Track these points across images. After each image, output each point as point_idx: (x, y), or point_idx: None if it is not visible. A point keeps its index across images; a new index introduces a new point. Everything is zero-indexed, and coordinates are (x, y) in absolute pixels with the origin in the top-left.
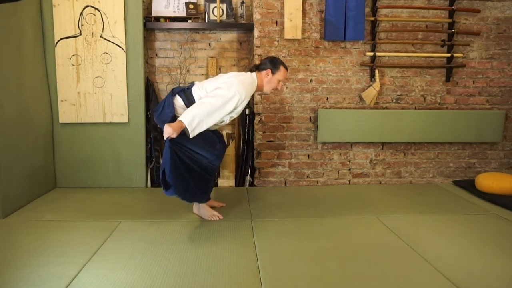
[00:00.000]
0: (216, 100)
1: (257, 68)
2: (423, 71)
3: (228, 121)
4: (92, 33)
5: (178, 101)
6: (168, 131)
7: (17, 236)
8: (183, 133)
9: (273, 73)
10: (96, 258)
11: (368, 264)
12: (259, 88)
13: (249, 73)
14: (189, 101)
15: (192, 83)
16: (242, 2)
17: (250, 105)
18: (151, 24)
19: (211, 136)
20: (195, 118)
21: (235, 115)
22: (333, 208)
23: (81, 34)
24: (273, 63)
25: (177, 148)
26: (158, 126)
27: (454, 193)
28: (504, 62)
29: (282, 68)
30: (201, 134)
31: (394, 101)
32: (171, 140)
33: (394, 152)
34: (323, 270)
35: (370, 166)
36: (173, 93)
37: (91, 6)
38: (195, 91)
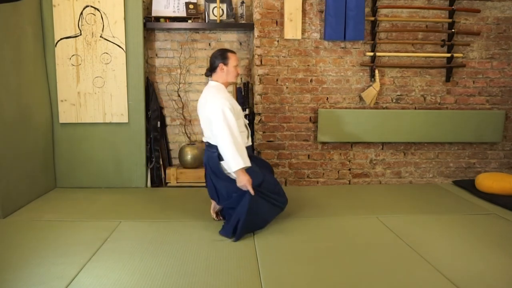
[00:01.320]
0: (222, 130)
1: (211, 71)
2: (423, 71)
3: (245, 120)
4: (92, 33)
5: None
6: (246, 185)
7: (17, 236)
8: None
9: (226, 64)
10: (96, 258)
11: (368, 264)
12: (226, 83)
13: (209, 84)
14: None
15: (207, 147)
16: (242, 2)
17: (250, 105)
18: (151, 24)
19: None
20: (234, 155)
21: (241, 115)
22: (333, 208)
23: (81, 34)
24: (220, 56)
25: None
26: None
27: (454, 193)
28: (504, 62)
29: (229, 54)
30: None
31: (394, 101)
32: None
33: (394, 152)
34: (323, 270)
35: (370, 166)
36: (213, 162)
37: (91, 6)
38: (213, 141)
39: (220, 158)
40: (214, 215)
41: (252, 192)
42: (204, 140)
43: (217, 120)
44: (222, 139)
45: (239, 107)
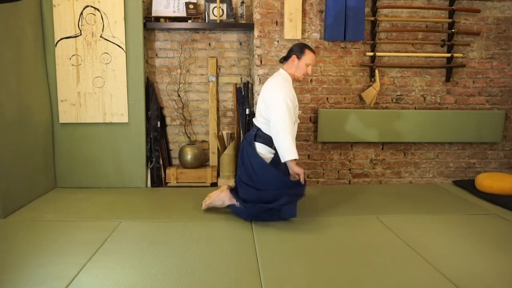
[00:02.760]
0: (281, 120)
1: (285, 59)
2: (423, 71)
3: (296, 120)
4: (92, 33)
5: (260, 147)
6: (299, 174)
7: (17, 236)
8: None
9: (298, 58)
10: (96, 258)
11: (368, 263)
12: (293, 77)
13: (279, 71)
14: (266, 139)
15: (253, 126)
16: (242, 2)
17: (250, 105)
18: (151, 24)
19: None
20: (290, 146)
21: (296, 112)
22: (333, 208)
23: (81, 34)
24: (298, 48)
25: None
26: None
27: (454, 193)
28: (504, 62)
29: (307, 51)
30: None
31: (394, 101)
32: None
33: (394, 152)
34: (323, 270)
35: (370, 166)
36: (249, 142)
37: (91, 6)
38: (261, 125)
39: (255, 138)
40: (206, 203)
41: (303, 180)
42: (255, 122)
43: (278, 109)
44: (279, 128)
45: (296, 103)
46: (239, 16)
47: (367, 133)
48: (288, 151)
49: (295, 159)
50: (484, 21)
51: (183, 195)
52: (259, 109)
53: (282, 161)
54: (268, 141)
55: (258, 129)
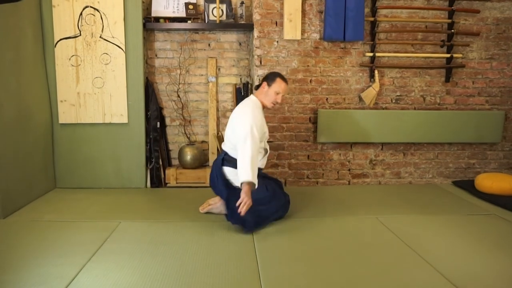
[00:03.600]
0: (245, 144)
1: (258, 86)
2: (423, 71)
3: (265, 145)
4: (92, 34)
5: (227, 170)
6: (245, 200)
7: (17, 236)
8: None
9: (269, 85)
10: (95, 258)
11: (368, 264)
12: (263, 104)
13: (250, 96)
14: (233, 162)
15: (222, 151)
16: (242, 3)
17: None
18: (151, 24)
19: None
20: (248, 170)
21: (265, 138)
22: (332, 208)
23: (80, 35)
24: (271, 76)
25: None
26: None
27: (453, 194)
28: (503, 62)
29: (278, 79)
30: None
31: (393, 101)
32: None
33: (394, 153)
34: (323, 270)
35: (369, 166)
36: (217, 165)
37: (91, 7)
38: (228, 150)
39: (223, 163)
40: (204, 209)
41: (243, 212)
42: (223, 146)
43: (243, 132)
44: (242, 151)
45: (266, 130)
46: (239, 16)
47: (366, 134)
48: (244, 173)
49: (251, 183)
50: (483, 22)
51: (183, 196)
52: (227, 134)
53: (240, 181)
54: (235, 164)
55: (226, 153)
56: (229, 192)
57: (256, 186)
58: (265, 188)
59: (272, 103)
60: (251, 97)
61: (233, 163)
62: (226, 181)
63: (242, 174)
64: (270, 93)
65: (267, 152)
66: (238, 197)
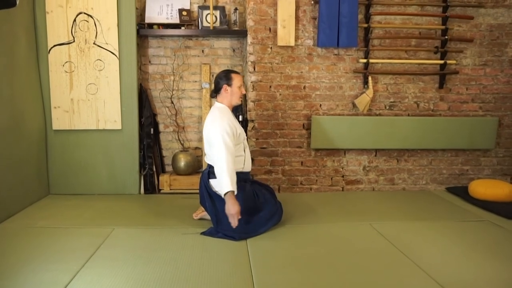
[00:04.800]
0: (219, 154)
1: (216, 92)
2: (416, 78)
3: (244, 143)
4: (86, 40)
5: (214, 182)
6: (232, 213)
7: (10, 242)
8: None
9: (230, 85)
10: (89, 264)
11: (362, 270)
12: (230, 105)
13: (214, 105)
14: (214, 173)
15: (207, 165)
16: (235, 9)
17: (243, 112)
18: (145, 30)
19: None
20: (227, 181)
21: (241, 139)
22: (326, 214)
23: (74, 41)
24: (224, 77)
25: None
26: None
27: (447, 200)
28: (497, 68)
29: (233, 75)
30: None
31: (387, 108)
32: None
33: (387, 159)
34: (317, 277)
35: (363, 173)
36: (204, 179)
37: (84, 13)
38: (211, 162)
39: (209, 176)
40: (198, 215)
41: (234, 224)
42: (205, 159)
43: (216, 144)
44: (218, 163)
45: (241, 130)
46: (232, 22)
47: (360, 140)
48: (224, 186)
49: (233, 192)
50: (477, 28)
51: (176, 202)
52: (205, 147)
53: (222, 192)
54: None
55: (210, 166)
56: (216, 207)
57: (236, 192)
58: (255, 196)
59: (240, 98)
60: (216, 104)
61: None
62: (214, 193)
63: (222, 187)
64: (235, 90)
65: (246, 153)
66: (224, 209)
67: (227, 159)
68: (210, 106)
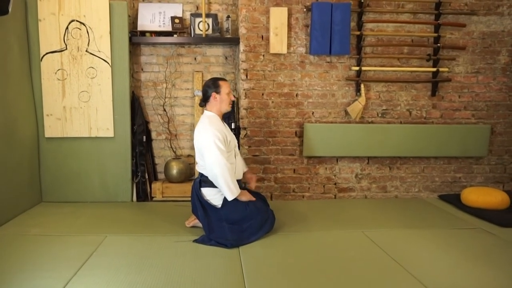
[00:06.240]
0: (213, 162)
1: (205, 101)
2: (409, 85)
3: (236, 150)
4: (78, 48)
5: (206, 191)
6: (249, 199)
7: (2, 250)
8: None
9: (218, 93)
10: (82, 272)
11: (354, 278)
12: (220, 113)
13: (204, 114)
14: (209, 182)
15: (199, 174)
16: (228, 17)
17: (235, 119)
18: (137, 38)
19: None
20: (230, 187)
21: (232, 146)
22: (318, 222)
23: (66, 49)
24: (212, 86)
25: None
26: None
27: (439, 208)
28: (489, 76)
29: (220, 82)
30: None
31: (379, 115)
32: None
33: (380, 167)
34: (309, 285)
35: (355, 180)
36: (196, 188)
37: (77, 21)
38: (202, 170)
39: (201, 184)
40: (190, 223)
41: (253, 198)
42: (197, 168)
43: (209, 152)
44: (216, 172)
45: (231, 138)
46: (225, 30)
47: (352, 148)
48: (230, 192)
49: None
50: (469, 36)
51: (169, 210)
52: (197, 156)
53: (228, 200)
54: (212, 183)
55: (202, 175)
56: (208, 215)
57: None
58: (245, 207)
59: (229, 104)
60: (205, 113)
61: (209, 183)
62: (206, 202)
63: (227, 195)
64: (224, 97)
65: (236, 160)
66: (216, 218)
67: (225, 164)
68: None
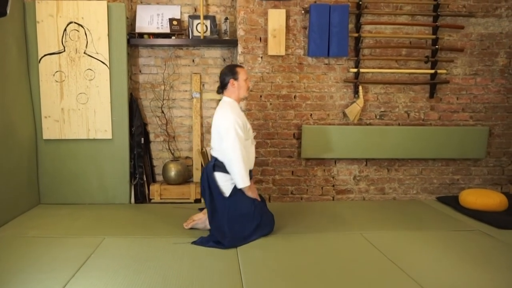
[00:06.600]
0: (230, 146)
1: (222, 88)
2: (407, 87)
3: (253, 141)
4: (76, 50)
5: (219, 176)
6: (253, 197)
7: (0, 252)
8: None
9: (236, 79)
10: (80, 274)
11: (352, 280)
12: (238, 99)
13: (222, 100)
14: (223, 167)
15: (211, 157)
16: (226, 19)
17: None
18: (135, 40)
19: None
20: (243, 175)
21: (250, 134)
22: (316, 224)
23: (64, 51)
24: (230, 72)
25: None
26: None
27: (437, 210)
28: (487, 78)
29: (238, 69)
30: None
31: (377, 117)
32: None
33: (378, 168)
34: (307, 287)
35: (353, 182)
36: (209, 172)
37: (75, 23)
38: (217, 155)
39: (214, 169)
40: (189, 224)
41: (258, 198)
42: (212, 152)
43: (229, 137)
44: (232, 156)
45: (249, 126)
46: (223, 32)
47: (350, 150)
48: (241, 179)
49: (248, 187)
50: (468, 38)
51: (167, 212)
52: (213, 139)
53: (238, 187)
54: (226, 169)
55: (216, 159)
56: (214, 203)
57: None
58: (251, 204)
59: (247, 91)
60: (224, 99)
61: (223, 168)
62: (215, 188)
63: (238, 182)
64: (241, 84)
65: (253, 148)
66: (221, 207)
67: (242, 153)
68: (201, 116)
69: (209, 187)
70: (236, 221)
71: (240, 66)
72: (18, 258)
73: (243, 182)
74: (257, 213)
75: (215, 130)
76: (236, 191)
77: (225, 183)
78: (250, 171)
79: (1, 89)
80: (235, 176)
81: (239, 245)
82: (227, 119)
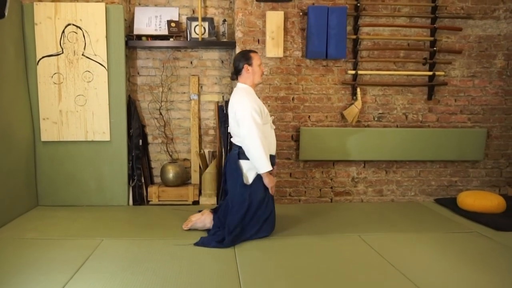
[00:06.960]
0: (250, 133)
1: (237, 74)
2: (405, 89)
3: (272, 125)
4: (74, 51)
5: (244, 164)
6: (271, 185)
7: None
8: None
9: (250, 65)
10: (78, 276)
11: (350, 282)
12: (253, 85)
13: (237, 86)
14: (244, 154)
15: (234, 146)
16: (224, 21)
17: (230, 123)
18: (133, 42)
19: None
20: (263, 160)
21: (268, 118)
22: (315, 226)
23: (63, 52)
24: (243, 58)
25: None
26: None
27: (436, 211)
28: (485, 80)
29: (251, 54)
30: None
31: (376, 119)
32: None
33: (376, 170)
34: None
35: (352, 184)
36: (234, 160)
37: (73, 25)
38: (239, 143)
39: (239, 156)
40: (187, 225)
41: (272, 192)
42: (232, 140)
43: (246, 123)
44: (250, 142)
45: (267, 111)
46: (221, 34)
47: (348, 151)
48: (262, 165)
49: (269, 173)
50: (466, 39)
51: (165, 213)
52: (232, 127)
53: (258, 172)
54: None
55: (240, 147)
56: (237, 198)
57: (271, 169)
58: (265, 191)
59: (261, 76)
60: (239, 85)
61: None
62: (240, 177)
63: (259, 167)
64: (256, 69)
65: (273, 133)
66: (240, 199)
67: (260, 137)
68: (199, 118)
69: (232, 176)
70: (253, 209)
71: (254, 51)
72: (16, 260)
73: (263, 167)
74: (269, 204)
75: (232, 116)
76: (255, 179)
77: (249, 171)
78: (273, 157)
79: None
80: (256, 162)
81: (242, 240)
82: (243, 105)
